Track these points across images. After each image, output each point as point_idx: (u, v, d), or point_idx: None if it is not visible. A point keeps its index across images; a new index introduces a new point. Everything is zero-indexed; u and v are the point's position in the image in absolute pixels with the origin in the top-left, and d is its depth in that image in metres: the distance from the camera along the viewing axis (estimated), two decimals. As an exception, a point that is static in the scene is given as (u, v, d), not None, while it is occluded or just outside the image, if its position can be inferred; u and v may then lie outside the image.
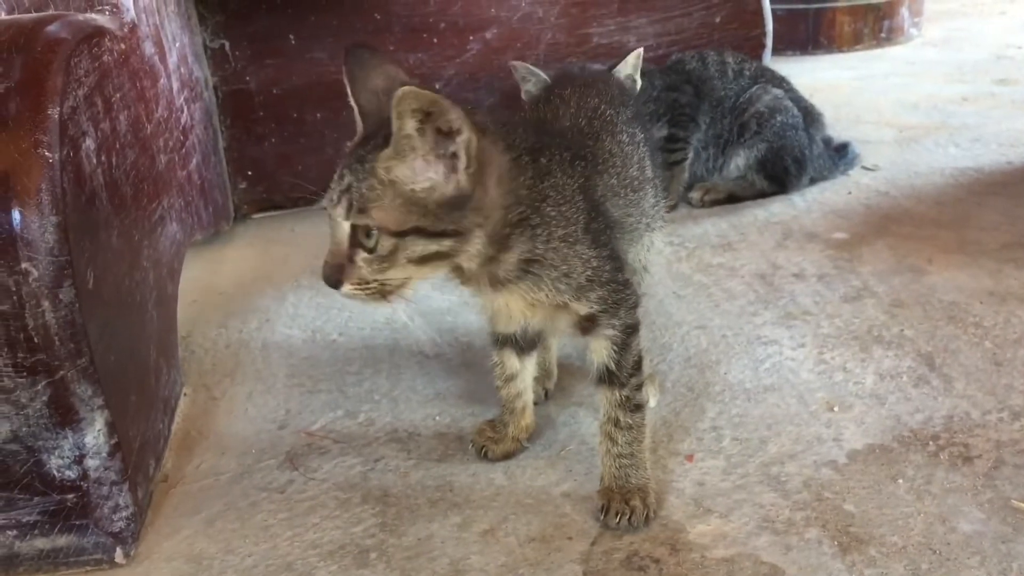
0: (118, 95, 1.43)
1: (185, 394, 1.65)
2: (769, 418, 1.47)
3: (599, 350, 1.27)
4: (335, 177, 1.12)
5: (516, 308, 1.24)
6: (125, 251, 1.37)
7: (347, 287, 1.12)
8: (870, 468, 1.33)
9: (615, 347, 1.26)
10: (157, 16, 1.85)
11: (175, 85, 1.91)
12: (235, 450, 1.49)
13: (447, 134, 1.06)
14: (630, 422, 1.28)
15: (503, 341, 1.41)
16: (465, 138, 1.07)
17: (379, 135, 1.09)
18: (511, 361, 1.41)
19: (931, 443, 1.37)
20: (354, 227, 1.10)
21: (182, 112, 1.95)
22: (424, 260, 1.12)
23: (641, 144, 1.44)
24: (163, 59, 1.82)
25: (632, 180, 1.38)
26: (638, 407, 1.28)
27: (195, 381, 1.70)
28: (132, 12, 1.63)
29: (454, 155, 1.08)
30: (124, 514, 1.26)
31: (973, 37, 4.24)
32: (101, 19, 1.47)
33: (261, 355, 1.79)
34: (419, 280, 1.17)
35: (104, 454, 1.22)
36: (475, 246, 1.13)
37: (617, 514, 1.24)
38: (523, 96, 2.27)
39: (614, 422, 1.28)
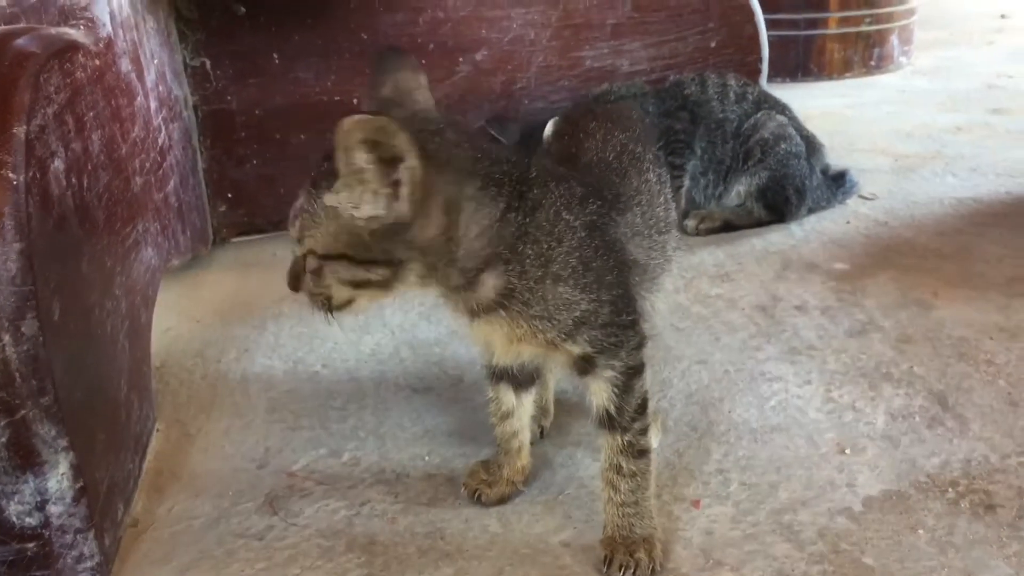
0: (91, 113, 1.34)
1: (158, 430, 1.55)
2: (778, 461, 1.39)
3: (598, 392, 1.18)
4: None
5: (499, 341, 1.16)
6: (96, 279, 1.28)
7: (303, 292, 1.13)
8: (888, 517, 1.25)
9: (615, 389, 1.17)
10: (135, 32, 1.77)
11: (153, 104, 1.82)
12: (210, 492, 1.40)
13: (390, 162, 1.01)
14: (633, 469, 1.18)
15: (499, 375, 1.32)
16: (410, 165, 1.01)
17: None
18: (507, 397, 1.33)
19: (950, 489, 1.30)
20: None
21: (160, 132, 1.86)
22: (357, 285, 1.10)
23: (667, 184, 1.37)
24: (140, 77, 1.74)
25: (658, 222, 1.30)
26: (642, 452, 1.19)
27: (169, 416, 1.60)
28: (108, 27, 1.55)
29: (397, 183, 1.02)
30: (89, 564, 1.17)
31: (963, 66, 4.22)
32: (75, 33, 1.39)
33: (240, 388, 1.70)
34: (369, 300, 1.13)
35: (68, 499, 1.13)
36: (411, 276, 1.09)
37: (621, 567, 1.16)
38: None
39: (616, 469, 1.19)
